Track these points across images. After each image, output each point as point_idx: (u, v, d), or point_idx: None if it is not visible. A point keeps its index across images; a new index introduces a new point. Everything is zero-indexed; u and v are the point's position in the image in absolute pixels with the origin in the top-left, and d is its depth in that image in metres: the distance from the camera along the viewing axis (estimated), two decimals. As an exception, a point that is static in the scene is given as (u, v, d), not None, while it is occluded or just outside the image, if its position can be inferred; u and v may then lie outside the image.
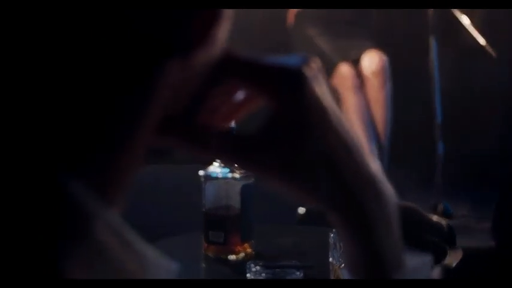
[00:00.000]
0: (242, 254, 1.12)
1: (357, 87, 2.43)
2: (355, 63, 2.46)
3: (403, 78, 2.54)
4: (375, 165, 0.42)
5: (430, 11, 2.13)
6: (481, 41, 2.08)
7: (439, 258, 0.75)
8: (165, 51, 0.31)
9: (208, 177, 1.11)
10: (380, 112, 2.45)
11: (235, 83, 0.39)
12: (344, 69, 2.43)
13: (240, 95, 0.42)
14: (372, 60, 2.46)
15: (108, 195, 0.32)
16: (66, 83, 0.30)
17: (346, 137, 0.39)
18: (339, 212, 0.39)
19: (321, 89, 0.38)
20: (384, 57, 2.47)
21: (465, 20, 2.04)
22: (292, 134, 0.37)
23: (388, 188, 0.42)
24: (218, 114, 0.42)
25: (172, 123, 0.36)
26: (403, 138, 2.57)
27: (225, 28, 0.36)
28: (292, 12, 2.59)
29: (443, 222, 1.79)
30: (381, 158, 2.41)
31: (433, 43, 2.18)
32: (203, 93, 0.38)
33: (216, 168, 1.08)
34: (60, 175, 0.30)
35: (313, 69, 0.39)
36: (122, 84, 0.31)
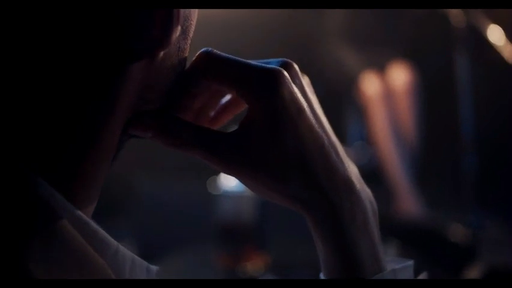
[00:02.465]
0: (256, 265, 1.12)
1: (384, 99, 2.41)
2: (383, 74, 2.45)
3: (430, 89, 2.51)
4: (352, 167, 0.42)
5: (457, 23, 2.11)
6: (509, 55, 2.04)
7: (452, 272, 0.74)
8: (127, 53, 0.32)
9: (223, 192, 1.12)
10: (408, 124, 2.43)
11: (214, 84, 0.40)
12: (371, 81, 2.42)
13: (226, 97, 0.43)
14: (399, 72, 2.45)
15: (77, 193, 0.33)
16: (33, 82, 0.31)
17: (321, 139, 0.40)
18: (311, 212, 0.39)
19: (296, 92, 0.39)
20: (411, 69, 2.45)
21: (493, 34, 2.00)
22: (265, 134, 0.38)
23: (365, 191, 0.42)
24: (204, 115, 0.43)
25: (148, 117, 0.37)
26: (432, 150, 2.54)
27: (190, 28, 0.37)
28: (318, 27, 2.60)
29: (467, 235, 1.75)
30: (410, 170, 2.38)
31: (459, 56, 2.16)
32: (182, 92, 0.39)
33: (230, 182, 1.09)
34: (27, 174, 0.31)
35: (290, 71, 0.40)
36: (88, 84, 0.32)
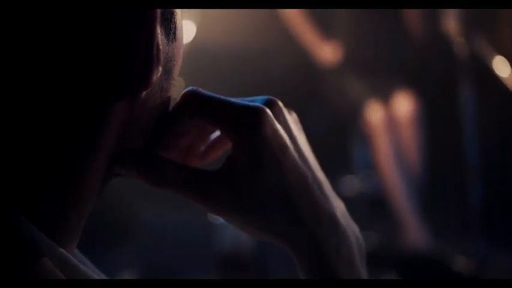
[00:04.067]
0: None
1: (388, 128, 2.41)
2: (387, 105, 2.46)
3: (435, 118, 2.51)
4: (337, 203, 0.43)
5: (461, 52, 2.12)
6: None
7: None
8: (109, 93, 0.33)
9: (224, 221, 1.13)
10: (413, 153, 2.43)
11: (199, 122, 0.41)
12: (375, 112, 2.43)
13: (215, 133, 0.44)
14: (403, 101, 2.45)
15: (59, 231, 0.33)
16: (17, 118, 0.32)
17: (304, 175, 0.40)
18: (295, 248, 0.39)
19: (279, 129, 0.39)
20: (416, 99, 2.46)
21: (497, 65, 2.01)
22: (248, 171, 0.38)
23: (350, 227, 0.42)
24: (193, 151, 0.44)
25: (132, 156, 0.37)
26: (437, 179, 2.53)
27: (173, 68, 0.37)
28: (323, 57, 2.62)
29: (473, 266, 1.72)
30: (415, 199, 2.37)
31: (463, 85, 2.16)
32: (166, 130, 0.40)
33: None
34: (8, 211, 0.31)
35: (274, 109, 0.40)
36: (71, 123, 0.32)
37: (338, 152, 2.68)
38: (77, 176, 0.34)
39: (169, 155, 0.41)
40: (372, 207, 2.52)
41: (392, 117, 2.44)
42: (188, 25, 2.31)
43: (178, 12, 0.37)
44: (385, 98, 2.46)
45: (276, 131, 0.39)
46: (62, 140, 0.33)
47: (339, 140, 2.69)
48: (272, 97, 0.42)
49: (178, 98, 0.40)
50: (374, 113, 2.42)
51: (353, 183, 2.58)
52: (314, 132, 2.57)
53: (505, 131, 2.56)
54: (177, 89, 0.41)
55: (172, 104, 0.40)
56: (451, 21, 2.16)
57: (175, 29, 0.36)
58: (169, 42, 0.36)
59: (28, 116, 0.32)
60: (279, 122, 0.40)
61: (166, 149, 0.41)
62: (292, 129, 0.41)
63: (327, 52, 2.58)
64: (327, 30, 2.61)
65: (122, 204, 2.03)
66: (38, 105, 0.32)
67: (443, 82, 2.55)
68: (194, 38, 2.34)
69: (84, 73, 0.32)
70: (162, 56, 0.34)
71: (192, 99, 0.39)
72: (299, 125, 0.44)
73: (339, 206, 0.42)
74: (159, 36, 0.33)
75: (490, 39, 2.40)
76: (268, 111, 0.39)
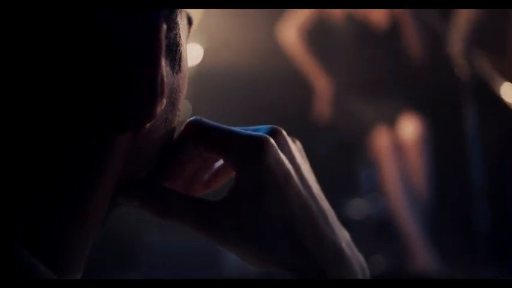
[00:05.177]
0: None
1: (395, 154, 2.41)
2: (394, 129, 2.46)
3: (441, 141, 2.51)
4: (342, 233, 0.42)
5: (466, 75, 2.12)
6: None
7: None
8: (112, 125, 0.33)
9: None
10: (419, 176, 2.42)
11: (202, 151, 0.41)
12: (381, 135, 2.43)
13: (219, 161, 0.44)
14: (409, 125, 2.45)
15: (61, 262, 0.33)
16: (21, 151, 0.31)
17: (308, 205, 0.39)
18: (299, 278, 0.39)
19: (282, 159, 0.39)
20: (422, 122, 2.46)
21: (504, 90, 2.02)
22: (251, 201, 0.38)
23: (355, 258, 0.42)
24: (197, 180, 0.44)
25: (135, 186, 0.37)
26: (444, 203, 2.51)
27: (178, 100, 0.38)
28: (326, 80, 2.63)
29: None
30: (422, 222, 2.36)
31: (469, 109, 2.16)
32: (171, 160, 0.40)
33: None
34: (8, 242, 0.31)
35: (278, 138, 0.41)
36: (74, 154, 0.32)
37: (345, 175, 2.67)
38: (79, 206, 0.34)
39: (173, 184, 0.41)
40: (378, 230, 2.51)
41: (398, 140, 2.44)
42: (195, 48, 2.33)
43: (184, 43, 0.38)
44: (391, 120, 2.46)
45: (279, 160, 0.39)
46: (66, 169, 0.33)
47: (346, 163, 2.69)
48: (276, 126, 0.42)
49: (182, 126, 0.40)
50: (380, 136, 2.42)
51: (360, 206, 2.57)
52: (321, 155, 2.57)
53: (510, 154, 2.55)
54: (184, 111, 0.41)
55: (176, 132, 0.40)
56: (455, 43, 2.16)
57: (180, 60, 0.37)
58: (174, 74, 0.36)
59: (33, 145, 0.32)
60: (283, 151, 0.40)
61: (170, 178, 0.41)
62: (296, 158, 0.41)
63: (322, 84, 2.59)
64: (329, 56, 2.63)
65: (130, 228, 2.03)
66: (43, 136, 0.32)
67: (448, 105, 2.55)
68: (201, 61, 2.36)
69: (88, 104, 0.32)
70: (166, 88, 0.34)
71: (195, 128, 0.39)
72: (303, 154, 0.44)
73: (343, 236, 0.42)
74: (164, 68, 0.34)
75: (495, 62, 2.41)
76: (271, 140, 0.39)
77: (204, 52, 2.36)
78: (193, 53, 2.30)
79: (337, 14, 2.60)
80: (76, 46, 0.31)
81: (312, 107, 2.68)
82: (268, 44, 2.71)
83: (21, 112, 0.31)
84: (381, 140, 2.42)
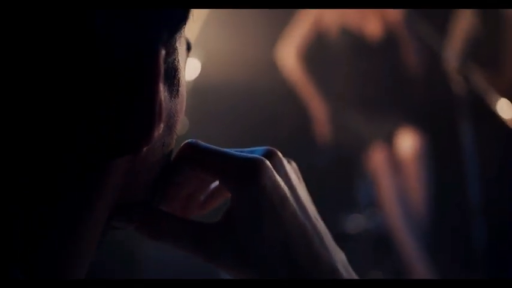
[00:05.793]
0: None
1: (392, 169, 2.41)
2: (391, 143, 2.46)
3: (438, 156, 2.51)
4: (338, 255, 0.42)
5: (462, 90, 2.13)
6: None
7: None
8: (109, 149, 0.33)
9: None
10: (418, 195, 2.42)
11: (198, 174, 0.41)
12: (379, 150, 2.43)
13: (211, 185, 0.45)
14: (407, 141, 2.46)
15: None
16: (19, 174, 0.32)
17: (304, 226, 0.40)
18: None
19: (278, 180, 0.39)
20: (421, 138, 2.46)
21: (501, 106, 2.02)
22: (247, 223, 0.38)
23: (351, 277, 0.42)
24: (193, 201, 0.44)
25: (131, 210, 0.38)
26: (442, 220, 2.51)
27: (175, 124, 0.38)
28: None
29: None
30: (419, 238, 2.35)
31: (466, 125, 2.17)
32: (167, 182, 0.40)
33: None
34: (8, 265, 0.31)
35: (273, 160, 0.41)
36: (70, 177, 0.33)
37: (343, 190, 2.67)
38: (75, 228, 0.34)
39: (169, 206, 0.41)
40: (376, 245, 2.50)
41: (395, 155, 2.45)
42: (193, 62, 2.33)
43: (182, 68, 0.38)
44: (388, 136, 2.47)
45: (275, 182, 0.39)
46: (62, 191, 0.33)
47: (344, 178, 2.69)
48: (271, 148, 0.42)
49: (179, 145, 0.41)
50: (377, 151, 2.43)
51: (358, 221, 2.57)
52: (318, 170, 2.57)
53: (507, 170, 2.56)
54: (181, 127, 0.41)
55: (173, 153, 0.41)
56: (450, 59, 2.18)
57: (178, 85, 0.37)
58: (172, 99, 0.37)
59: (30, 165, 0.32)
60: (279, 173, 0.40)
61: (167, 200, 0.41)
62: (292, 180, 0.42)
63: (319, 108, 2.60)
64: (325, 71, 2.64)
65: (129, 234, 2.02)
66: (40, 159, 0.32)
67: (444, 120, 2.56)
68: (199, 75, 2.36)
69: (86, 128, 0.32)
70: (164, 113, 0.34)
71: (191, 151, 0.40)
72: (299, 174, 0.44)
73: (340, 257, 0.42)
74: (162, 93, 0.34)
75: (491, 78, 2.42)
76: (267, 162, 0.39)
77: (202, 66, 2.37)
78: (190, 67, 2.31)
79: (331, 28, 2.61)
80: (77, 68, 0.31)
81: (310, 122, 2.69)
82: (266, 58, 2.72)
83: (19, 139, 0.31)
84: (378, 155, 2.43)
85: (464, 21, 2.64)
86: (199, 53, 2.37)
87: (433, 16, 2.67)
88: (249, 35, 2.71)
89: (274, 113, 2.79)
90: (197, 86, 2.28)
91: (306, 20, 2.63)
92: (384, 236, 2.44)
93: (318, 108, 2.63)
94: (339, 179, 2.68)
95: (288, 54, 2.64)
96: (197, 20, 2.07)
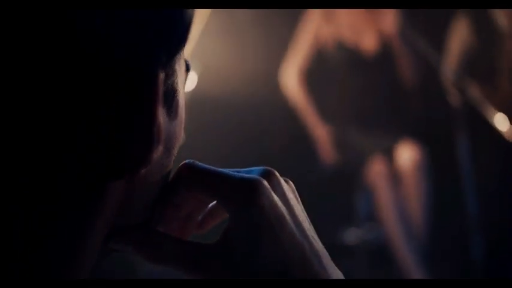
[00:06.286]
0: None
1: (391, 182, 2.41)
2: (390, 156, 2.46)
3: (436, 169, 2.51)
4: (336, 273, 0.42)
5: (458, 103, 2.14)
6: (509, 132, 2.06)
7: None
8: (107, 171, 0.33)
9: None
10: (417, 207, 2.41)
11: (196, 195, 0.41)
12: (378, 163, 2.43)
13: (208, 206, 0.44)
14: (406, 154, 2.46)
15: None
16: (15, 194, 0.31)
17: (301, 247, 0.40)
18: None
19: (276, 201, 0.39)
20: (419, 150, 2.47)
21: (497, 119, 2.03)
22: (245, 244, 0.38)
23: None
24: (191, 220, 0.44)
25: (128, 232, 0.38)
26: (442, 234, 2.51)
27: (175, 145, 0.38)
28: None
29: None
30: (418, 255, 2.35)
31: (463, 139, 2.18)
32: (165, 203, 0.40)
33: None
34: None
35: (271, 180, 0.41)
36: (67, 199, 0.33)
37: (342, 203, 2.67)
38: (71, 250, 0.34)
39: (167, 227, 0.41)
40: (374, 258, 2.50)
41: (394, 168, 2.45)
42: (190, 75, 2.34)
43: (181, 90, 0.38)
44: (386, 149, 2.47)
45: (273, 202, 0.39)
46: (59, 215, 0.33)
47: (343, 190, 2.68)
48: (269, 168, 0.42)
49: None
50: (376, 165, 2.43)
51: (357, 234, 2.57)
52: (317, 183, 2.57)
53: (504, 182, 2.56)
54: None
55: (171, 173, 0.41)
56: (447, 73, 2.19)
57: (177, 106, 0.37)
58: (171, 120, 0.37)
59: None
60: (276, 193, 0.40)
61: (164, 221, 0.41)
62: (289, 200, 0.42)
63: (322, 132, 2.60)
64: (323, 85, 2.65)
65: (122, 258, 2.01)
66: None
67: (442, 134, 2.56)
68: (196, 87, 2.37)
69: (83, 151, 0.32)
70: (163, 136, 0.34)
71: (188, 172, 0.40)
72: (296, 194, 0.44)
73: (337, 276, 0.42)
74: (161, 115, 0.34)
75: (487, 92, 2.43)
76: (265, 183, 0.39)
77: (198, 78, 2.37)
78: (187, 80, 2.32)
79: (328, 43, 2.62)
80: (75, 86, 0.31)
81: (308, 135, 2.69)
82: (262, 70, 2.73)
83: (15, 161, 0.31)
84: (376, 168, 2.43)
85: (460, 35, 2.66)
86: (196, 65, 2.38)
87: (429, 30, 2.69)
88: (246, 47, 2.72)
89: (271, 125, 2.79)
90: (194, 98, 2.28)
91: (305, 39, 2.63)
92: (383, 248, 2.44)
93: (321, 132, 2.61)
94: (338, 192, 2.68)
95: (290, 77, 2.63)
96: (194, 32, 2.07)
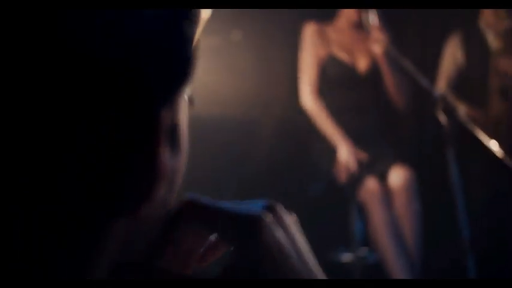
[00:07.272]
0: None
1: (384, 202, 2.41)
2: (382, 177, 2.46)
3: (427, 190, 2.52)
4: None
5: (449, 126, 2.16)
6: (500, 153, 2.08)
7: None
8: (109, 210, 0.33)
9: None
10: (409, 227, 2.41)
11: (197, 229, 0.41)
12: (371, 184, 2.43)
13: (210, 239, 0.44)
14: (399, 175, 2.46)
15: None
16: (15, 235, 0.31)
17: (305, 278, 0.40)
18: None
19: (278, 235, 0.39)
20: (411, 172, 2.47)
21: (487, 138, 2.05)
22: (248, 278, 0.38)
23: None
24: (193, 253, 0.44)
25: (129, 269, 0.37)
26: (434, 252, 2.51)
27: (177, 180, 0.38)
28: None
29: None
30: (412, 274, 2.35)
31: (452, 156, 2.19)
32: (167, 238, 0.40)
33: None
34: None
35: (274, 214, 0.41)
36: (68, 237, 0.32)
37: (337, 223, 2.65)
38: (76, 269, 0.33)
39: (169, 262, 0.41)
40: (369, 279, 2.49)
41: (387, 189, 2.45)
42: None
43: (184, 122, 0.38)
44: (380, 170, 2.47)
45: (275, 237, 0.39)
46: (61, 253, 0.33)
47: (338, 212, 2.66)
48: (271, 201, 0.42)
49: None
50: (369, 186, 2.43)
51: (352, 255, 2.56)
52: (313, 206, 2.56)
53: (495, 202, 2.57)
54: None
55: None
56: (436, 94, 2.20)
57: (180, 141, 0.37)
58: (174, 155, 0.36)
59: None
60: (279, 227, 0.40)
61: (166, 256, 0.41)
62: (292, 233, 0.42)
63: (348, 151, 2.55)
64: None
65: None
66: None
67: (433, 155, 2.57)
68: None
69: (86, 189, 0.32)
70: (166, 172, 0.34)
71: (190, 208, 0.40)
72: (298, 226, 0.44)
73: None
74: (164, 151, 0.34)
75: (477, 115, 2.45)
76: (266, 218, 0.39)
77: (189, 99, 2.38)
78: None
79: (324, 59, 2.64)
80: (72, 132, 0.31)
81: (305, 154, 2.68)
82: (255, 91, 2.74)
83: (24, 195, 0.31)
84: (369, 189, 2.43)
85: (450, 57, 2.69)
86: (190, 87, 2.38)
87: (417, 49, 2.71)
88: (238, 68, 2.73)
89: (266, 146, 2.79)
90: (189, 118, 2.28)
91: (310, 56, 2.63)
92: (377, 273, 2.43)
93: (346, 147, 2.53)
94: (333, 213, 2.66)
95: (306, 97, 2.61)
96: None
